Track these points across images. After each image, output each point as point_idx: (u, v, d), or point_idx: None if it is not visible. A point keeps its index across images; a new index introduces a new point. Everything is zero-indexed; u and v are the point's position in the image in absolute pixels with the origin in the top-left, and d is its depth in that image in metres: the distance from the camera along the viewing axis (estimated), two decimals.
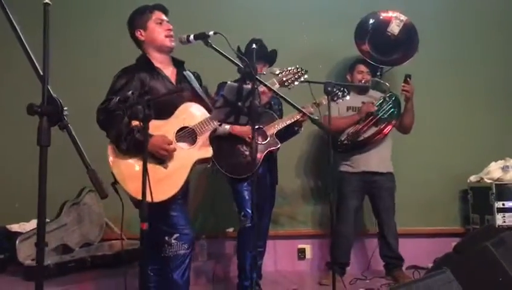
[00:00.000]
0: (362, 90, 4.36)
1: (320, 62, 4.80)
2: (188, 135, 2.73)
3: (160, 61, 2.84)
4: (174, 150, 2.63)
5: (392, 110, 4.24)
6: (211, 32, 2.63)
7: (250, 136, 3.49)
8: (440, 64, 4.98)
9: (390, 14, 4.47)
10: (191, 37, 2.69)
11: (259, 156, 3.63)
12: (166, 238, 2.66)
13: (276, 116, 3.75)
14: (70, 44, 4.82)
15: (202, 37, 2.66)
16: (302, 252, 4.80)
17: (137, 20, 2.85)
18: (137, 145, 2.51)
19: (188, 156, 2.70)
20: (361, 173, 4.23)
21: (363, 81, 4.29)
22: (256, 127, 3.60)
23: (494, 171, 4.46)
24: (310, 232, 4.81)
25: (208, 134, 2.75)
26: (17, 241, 3.80)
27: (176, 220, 2.69)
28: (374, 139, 4.19)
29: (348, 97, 3.85)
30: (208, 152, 2.75)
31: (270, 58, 3.84)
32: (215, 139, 3.57)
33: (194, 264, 4.32)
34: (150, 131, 2.59)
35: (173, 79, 2.85)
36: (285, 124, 3.71)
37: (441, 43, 4.99)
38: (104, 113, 2.60)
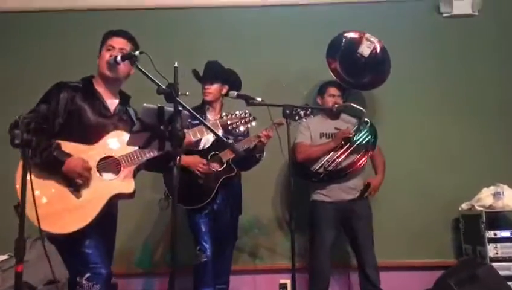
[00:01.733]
0: (334, 115, 4.06)
1: (302, 86, 4.57)
2: (111, 165, 2.49)
3: (104, 88, 2.65)
4: (89, 177, 2.40)
5: (368, 137, 3.93)
6: (137, 52, 2.43)
7: (199, 168, 3.26)
8: (425, 84, 4.67)
9: (360, 35, 4.22)
10: (118, 58, 2.51)
11: (214, 184, 3.37)
12: (78, 278, 2.41)
13: (233, 142, 3.48)
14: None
15: (129, 57, 2.48)
16: (283, 288, 4.42)
17: (101, 44, 2.70)
18: (53, 162, 2.37)
19: (105, 189, 2.45)
20: (336, 202, 3.89)
21: (336, 106, 3.98)
22: (212, 153, 3.39)
23: (486, 198, 4.05)
24: (290, 266, 4.42)
25: (133, 167, 2.51)
26: None
27: (88, 257, 2.43)
28: (353, 167, 3.87)
29: (311, 116, 3.56)
30: (130, 187, 2.50)
31: (227, 79, 3.62)
32: (168, 170, 3.37)
33: None
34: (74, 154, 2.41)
35: (112, 109, 2.64)
36: (242, 149, 3.44)
37: (423, 61, 4.70)
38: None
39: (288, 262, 4.39)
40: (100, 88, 2.64)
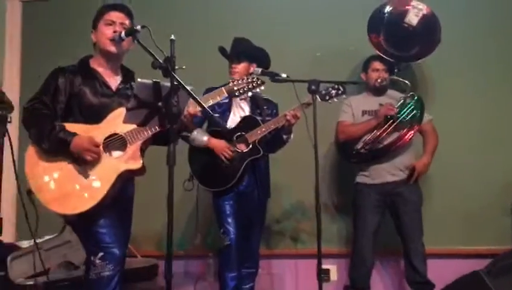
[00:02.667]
0: (378, 90, 3.76)
1: (337, 62, 4.25)
2: (117, 143, 2.43)
3: (104, 66, 2.58)
4: (99, 153, 2.36)
5: (414, 112, 3.61)
6: (139, 27, 2.35)
7: (224, 152, 3.14)
8: (483, 58, 4.22)
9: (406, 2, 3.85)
10: (123, 34, 2.45)
11: (240, 166, 3.23)
12: (92, 258, 2.38)
13: (260, 122, 3.33)
14: None
15: (133, 32, 2.40)
16: (326, 273, 4.23)
17: (94, 19, 2.62)
18: (59, 144, 2.36)
19: (113, 166, 2.40)
20: (380, 184, 3.62)
21: (378, 80, 3.70)
22: (238, 134, 3.25)
23: None
24: (334, 251, 4.20)
25: (139, 143, 2.43)
26: (8, 259, 3.67)
27: (101, 237, 2.40)
28: (395, 146, 3.58)
29: (344, 96, 3.36)
30: (137, 163, 2.43)
31: (255, 56, 3.44)
32: (193, 151, 3.28)
33: (201, 284, 4.05)
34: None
35: (114, 86, 2.57)
36: (269, 130, 3.28)
37: (481, 33, 4.25)
38: (29, 112, 2.43)
39: (332, 247, 4.26)
40: (100, 67, 2.57)
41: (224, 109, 3.38)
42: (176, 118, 2.11)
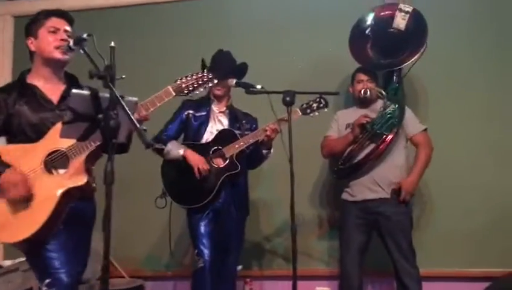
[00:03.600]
0: (364, 102, 3.52)
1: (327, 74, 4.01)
2: (60, 159, 2.24)
3: (45, 78, 2.40)
4: (24, 192, 2.18)
5: (390, 120, 3.35)
6: (85, 35, 2.15)
7: (200, 167, 2.95)
8: (487, 69, 3.92)
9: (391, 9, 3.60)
10: (71, 43, 2.25)
11: (216, 182, 3.03)
12: (39, 284, 2.20)
13: (238, 136, 3.13)
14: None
15: (80, 40, 2.19)
16: None
17: (31, 26, 2.42)
18: None
19: (55, 185, 2.20)
20: (361, 201, 3.37)
21: (362, 91, 3.46)
22: (214, 148, 3.07)
23: None
24: (326, 272, 3.96)
25: (82, 158, 2.23)
26: None
27: (49, 262, 2.20)
28: (369, 158, 3.32)
29: (325, 109, 3.16)
30: (80, 179, 2.21)
31: (239, 72, 3.25)
32: (166, 165, 3.10)
33: None
34: (16, 158, 2.23)
35: (56, 97, 2.39)
36: (247, 144, 3.08)
37: (484, 39, 3.94)
38: None
39: (326, 267, 4.00)
40: (39, 80, 2.39)
41: (202, 121, 3.23)
42: (114, 131, 1.91)
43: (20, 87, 2.37)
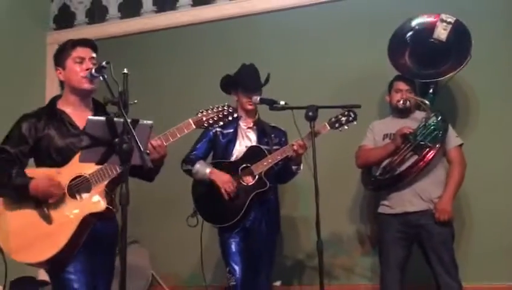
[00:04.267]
0: (402, 112, 3.41)
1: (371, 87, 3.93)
2: (83, 185, 2.30)
3: (74, 105, 2.48)
4: (60, 193, 2.25)
5: (435, 132, 3.21)
6: (104, 63, 2.23)
7: (227, 187, 2.96)
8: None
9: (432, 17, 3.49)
10: (93, 71, 2.34)
11: (245, 200, 3.02)
12: None
13: (266, 152, 3.11)
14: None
15: (102, 68, 2.27)
16: None
17: (58, 56, 2.52)
18: (18, 190, 2.27)
19: (76, 211, 2.26)
20: (401, 214, 3.24)
21: (401, 102, 3.36)
22: (243, 165, 3.07)
23: None
24: (369, 287, 3.85)
25: (104, 184, 2.28)
26: None
27: (69, 283, 2.26)
28: (412, 170, 3.19)
29: (354, 123, 3.07)
30: (100, 206, 2.26)
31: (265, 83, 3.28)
32: (196, 185, 3.13)
33: None
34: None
35: (83, 123, 2.46)
36: (275, 161, 3.06)
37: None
38: None
39: (368, 282, 3.89)
40: (68, 107, 2.46)
41: (230, 138, 3.21)
42: (127, 155, 1.96)
43: (50, 112, 2.46)
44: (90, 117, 2.07)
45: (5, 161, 2.32)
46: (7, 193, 2.31)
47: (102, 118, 2.04)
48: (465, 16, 3.50)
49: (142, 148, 1.94)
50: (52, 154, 2.37)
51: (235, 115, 2.43)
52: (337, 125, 3.05)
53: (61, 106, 2.48)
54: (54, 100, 2.52)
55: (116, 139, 2.02)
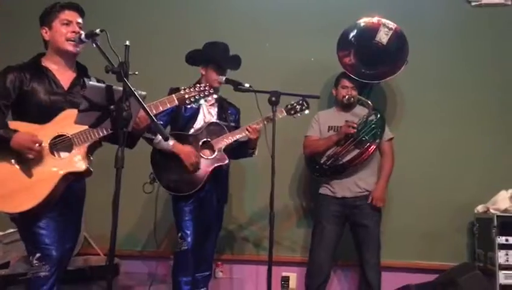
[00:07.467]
0: (346, 107, 3.76)
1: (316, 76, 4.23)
2: (64, 144, 2.37)
3: (58, 64, 2.51)
4: (40, 150, 2.29)
5: (374, 130, 3.61)
6: (98, 30, 2.27)
7: (190, 159, 3.09)
8: (448, 80, 4.26)
9: (376, 21, 3.83)
10: (83, 35, 2.37)
11: (205, 172, 3.18)
12: (30, 257, 2.34)
13: (225, 129, 3.30)
14: None
15: (93, 35, 2.32)
16: (285, 280, 4.20)
17: (45, 16, 2.54)
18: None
19: (57, 167, 2.33)
20: (341, 198, 3.61)
21: (346, 97, 3.69)
22: (204, 140, 3.21)
23: (502, 201, 3.64)
24: (296, 259, 4.18)
25: (86, 145, 2.37)
26: None
27: (40, 238, 2.33)
28: (354, 162, 3.57)
29: (307, 111, 3.35)
30: (81, 166, 2.36)
31: (238, 64, 3.43)
32: (156, 153, 3.23)
33: (157, 286, 3.98)
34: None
35: (67, 83, 2.51)
36: (234, 139, 3.24)
37: (448, 55, 4.28)
38: None
39: (293, 255, 4.24)
40: (53, 65, 2.50)
41: (193, 112, 3.31)
42: (125, 122, 2.07)
43: (35, 68, 2.47)
44: (91, 83, 2.15)
45: None
46: None
47: (103, 85, 2.13)
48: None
49: (153, 117, 2.06)
50: (35, 109, 2.39)
51: (215, 96, 2.59)
52: (292, 112, 3.29)
53: (45, 63, 2.50)
54: (38, 57, 2.53)
55: (112, 106, 2.14)
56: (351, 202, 3.59)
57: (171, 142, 3.15)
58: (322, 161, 3.67)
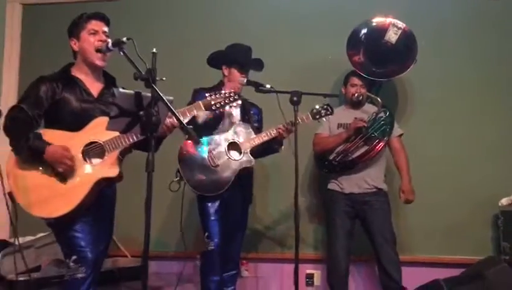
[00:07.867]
0: (356, 105, 3.79)
1: (326, 74, 4.26)
2: (96, 150, 2.45)
3: (86, 74, 2.59)
4: (71, 164, 2.38)
5: (383, 127, 3.63)
6: (125, 38, 2.33)
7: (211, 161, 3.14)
8: (464, 73, 4.24)
9: (386, 20, 3.85)
10: (110, 44, 2.44)
11: (231, 174, 3.22)
12: (67, 260, 2.42)
13: (251, 130, 3.33)
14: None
15: (118, 43, 2.38)
16: (310, 278, 4.24)
17: (73, 28, 2.62)
18: (34, 153, 2.37)
19: (90, 174, 2.42)
20: (349, 194, 3.65)
21: (355, 95, 3.73)
22: (231, 141, 3.24)
23: None
24: (319, 256, 4.21)
25: (117, 152, 2.45)
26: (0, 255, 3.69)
27: (76, 241, 2.42)
28: (363, 159, 3.59)
29: (331, 116, 3.44)
30: (114, 171, 2.44)
31: (261, 67, 3.48)
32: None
33: (184, 286, 4.05)
34: (57, 142, 2.39)
35: (96, 92, 2.59)
36: (261, 141, 3.28)
37: (462, 49, 4.26)
38: (9, 121, 2.44)
39: (317, 252, 4.26)
40: (82, 75, 2.58)
41: (216, 114, 3.28)
42: (155, 127, 2.13)
43: (65, 78, 2.55)
44: (121, 90, 2.21)
45: (23, 122, 2.40)
46: (23, 154, 2.39)
47: (132, 91, 2.19)
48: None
49: (182, 121, 2.13)
50: (67, 117, 2.47)
51: (239, 102, 2.64)
52: (317, 116, 3.34)
53: (75, 73, 2.57)
54: (68, 67, 2.61)
55: (141, 112, 2.20)
56: (360, 198, 3.62)
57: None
58: (331, 158, 3.70)
